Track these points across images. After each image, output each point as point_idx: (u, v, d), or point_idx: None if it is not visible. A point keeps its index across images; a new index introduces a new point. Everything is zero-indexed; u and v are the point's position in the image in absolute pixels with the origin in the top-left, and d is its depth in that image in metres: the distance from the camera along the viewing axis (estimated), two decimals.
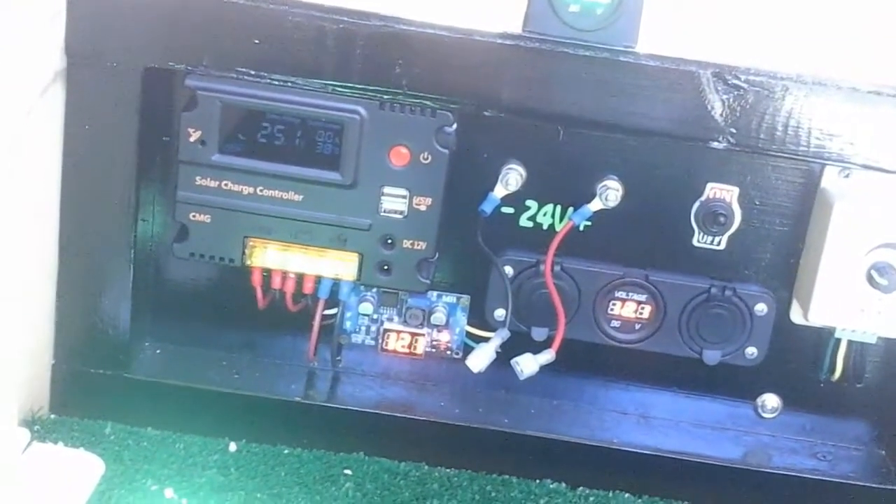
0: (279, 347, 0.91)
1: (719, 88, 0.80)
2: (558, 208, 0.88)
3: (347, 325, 0.91)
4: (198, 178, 0.84)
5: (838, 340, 0.88)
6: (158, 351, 0.90)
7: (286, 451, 0.84)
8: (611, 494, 0.85)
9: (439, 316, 0.91)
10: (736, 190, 0.87)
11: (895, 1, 0.89)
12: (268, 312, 0.89)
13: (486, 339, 0.87)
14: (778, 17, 0.87)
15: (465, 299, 0.91)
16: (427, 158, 0.83)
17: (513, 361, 0.86)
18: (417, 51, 0.80)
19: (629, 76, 0.80)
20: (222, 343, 0.91)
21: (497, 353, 0.87)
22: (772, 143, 0.81)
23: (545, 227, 0.89)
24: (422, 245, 0.85)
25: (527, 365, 0.85)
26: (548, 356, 0.86)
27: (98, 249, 0.85)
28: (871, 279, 0.83)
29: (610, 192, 0.85)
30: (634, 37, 0.80)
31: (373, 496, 0.81)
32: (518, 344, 0.88)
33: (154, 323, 0.90)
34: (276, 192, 0.84)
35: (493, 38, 0.80)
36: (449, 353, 0.92)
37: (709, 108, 0.80)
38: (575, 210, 0.86)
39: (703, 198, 0.88)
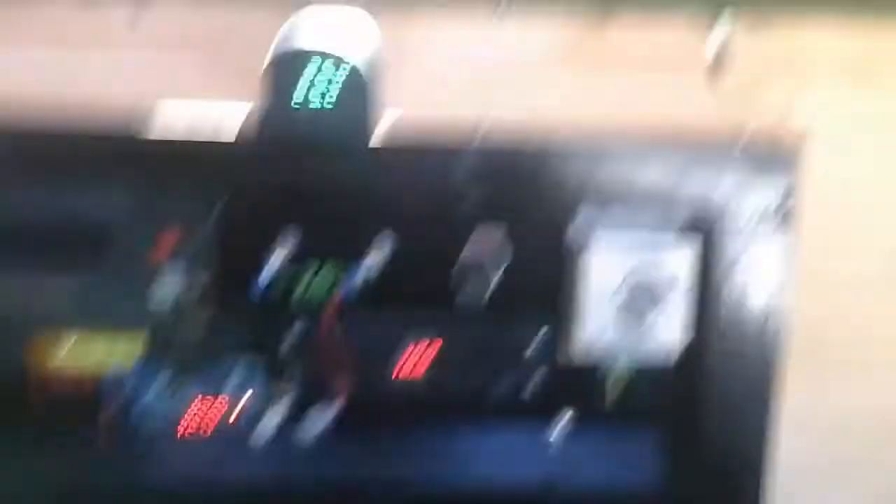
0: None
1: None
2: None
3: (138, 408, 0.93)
4: None
5: (607, 370, 0.94)
6: None
7: None
8: None
9: (231, 384, 0.93)
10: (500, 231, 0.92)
11: None
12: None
13: None
14: None
15: (256, 363, 0.93)
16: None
17: (298, 421, 0.90)
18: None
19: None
20: None
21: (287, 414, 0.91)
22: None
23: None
24: None
25: (313, 423, 0.90)
26: (333, 411, 0.90)
27: None
28: (624, 311, 0.89)
29: (377, 253, 0.90)
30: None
31: None
32: (313, 402, 0.92)
33: None
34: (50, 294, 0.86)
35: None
36: (245, 419, 0.94)
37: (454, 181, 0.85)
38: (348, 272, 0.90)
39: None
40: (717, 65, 0.89)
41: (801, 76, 0.92)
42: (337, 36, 0.84)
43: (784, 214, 0.88)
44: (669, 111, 0.88)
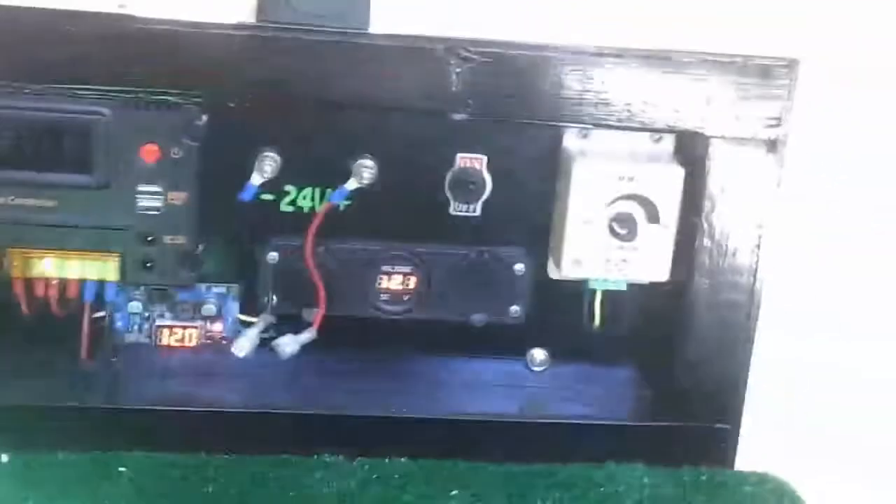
0: (52, 355, 0.91)
1: (452, 62, 0.84)
2: (317, 191, 0.91)
3: (119, 325, 0.92)
4: None
5: (593, 291, 0.93)
6: None
7: (61, 457, 0.85)
8: (387, 461, 0.88)
9: (210, 307, 0.92)
10: (484, 158, 0.91)
11: None
12: (36, 321, 0.88)
13: None
14: None
15: (235, 288, 0.93)
16: (178, 153, 0.84)
17: (273, 343, 0.88)
18: (153, 47, 0.81)
19: (365, 57, 0.83)
20: None
21: (265, 337, 0.89)
22: (508, 111, 0.85)
23: (306, 210, 0.91)
24: (182, 239, 0.86)
25: (287, 345, 0.88)
26: (308, 335, 0.88)
27: None
28: (612, 230, 0.88)
29: (365, 171, 0.88)
30: (366, 19, 0.83)
31: (149, 488, 0.82)
32: (292, 327, 0.90)
33: None
34: (29, 200, 0.84)
35: (227, 30, 0.81)
36: (224, 342, 0.93)
37: (445, 81, 0.84)
38: (333, 191, 0.89)
39: (454, 168, 0.91)
40: None
41: None
42: None
43: (775, 140, 0.87)
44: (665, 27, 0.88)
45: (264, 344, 0.90)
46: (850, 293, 1.06)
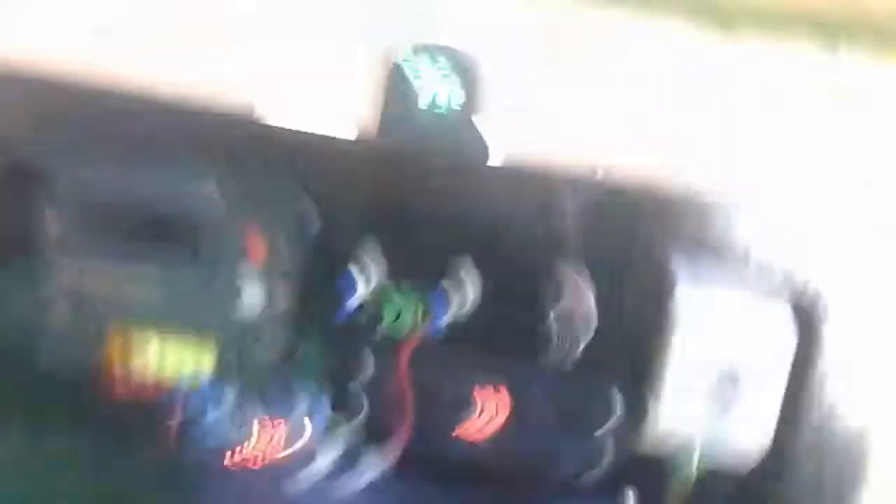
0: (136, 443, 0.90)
1: (567, 194, 0.83)
2: (420, 307, 0.89)
3: (208, 418, 0.91)
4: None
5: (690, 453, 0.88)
6: None
7: None
8: None
9: (300, 409, 0.90)
10: (592, 295, 0.88)
11: None
12: (123, 406, 0.88)
13: None
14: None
15: (327, 393, 0.91)
16: (285, 254, 0.85)
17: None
18: (276, 149, 0.83)
19: (479, 182, 0.83)
20: None
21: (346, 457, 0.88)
22: (621, 250, 0.84)
23: (404, 330, 0.89)
24: (279, 338, 0.86)
25: (364, 472, 0.86)
26: (384, 463, 0.87)
27: None
28: (713, 394, 0.84)
29: (466, 296, 0.87)
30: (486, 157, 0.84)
31: None
32: (374, 446, 0.88)
33: None
34: (132, 278, 0.85)
35: (347, 143, 0.83)
36: (308, 450, 0.90)
37: (557, 213, 0.83)
38: (433, 304, 0.87)
39: (561, 301, 0.89)
40: None
41: None
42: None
43: None
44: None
45: (345, 467, 0.87)
46: None
